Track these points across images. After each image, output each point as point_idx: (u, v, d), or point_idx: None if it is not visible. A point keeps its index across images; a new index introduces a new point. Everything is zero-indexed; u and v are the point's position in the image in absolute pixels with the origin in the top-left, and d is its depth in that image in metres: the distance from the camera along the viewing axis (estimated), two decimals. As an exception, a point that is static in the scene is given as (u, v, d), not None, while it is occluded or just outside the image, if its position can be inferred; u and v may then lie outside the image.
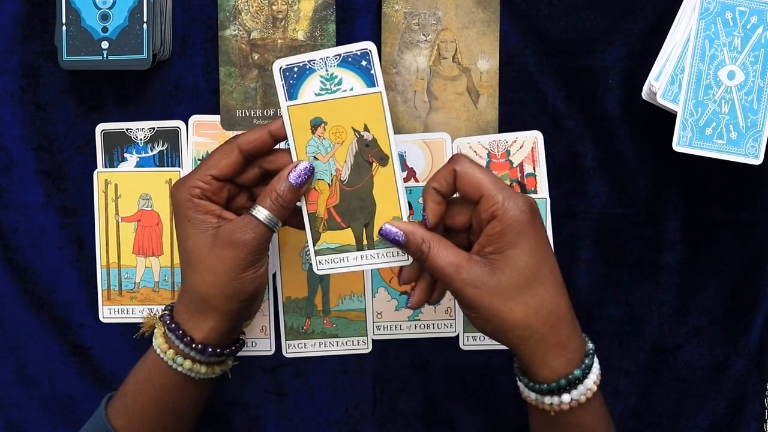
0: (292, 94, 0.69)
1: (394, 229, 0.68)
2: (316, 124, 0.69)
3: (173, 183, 0.72)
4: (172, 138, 0.80)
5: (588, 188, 0.81)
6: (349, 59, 0.68)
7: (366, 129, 0.69)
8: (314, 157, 0.69)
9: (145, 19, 0.76)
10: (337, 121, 0.69)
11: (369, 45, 0.68)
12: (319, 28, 0.79)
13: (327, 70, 0.69)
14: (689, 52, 0.74)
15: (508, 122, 0.80)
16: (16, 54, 0.80)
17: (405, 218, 0.69)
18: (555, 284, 0.66)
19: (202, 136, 0.80)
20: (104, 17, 0.76)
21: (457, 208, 0.69)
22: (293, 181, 0.68)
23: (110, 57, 0.76)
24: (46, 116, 0.80)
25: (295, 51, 0.79)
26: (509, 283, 0.65)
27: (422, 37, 0.79)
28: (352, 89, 0.69)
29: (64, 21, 0.76)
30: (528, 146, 0.80)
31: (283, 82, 0.69)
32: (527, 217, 0.65)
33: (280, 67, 0.69)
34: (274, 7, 0.79)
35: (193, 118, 0.80)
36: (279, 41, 0.79)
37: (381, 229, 0.68)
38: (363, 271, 0.80)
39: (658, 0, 0.79)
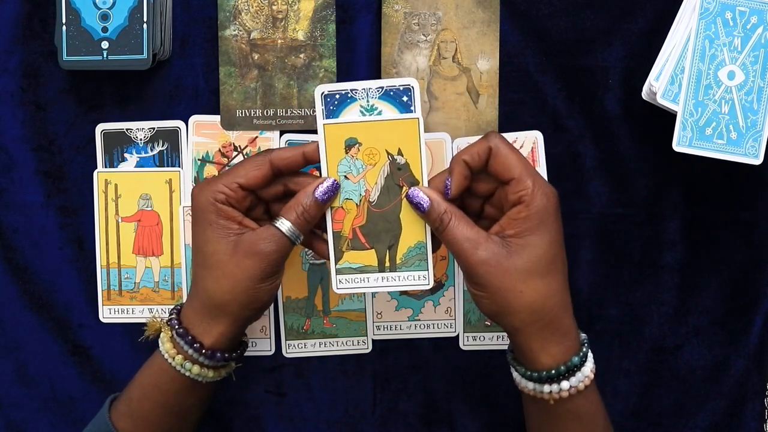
0: (330, 117, 0.70)
1: (420, 194, 0.68)
2: (350, 144, 0.69)
3: (196, 185, 0.72)
4: (172, 138, 0.80)
5: (588, 188, 0.81)
6: (391, 93, 0.70)
7: (400, 153, 0.69)
8: (345, 176, 0.70)
9: (145, 19, 0.76)
10: (371, 143, 0.69)
11: (412, 82, 0.69)
12: (319, 28, 0.79)
13: (368, 101, 0.70)
14: (689, 52, 0.74)
15: (508, 122, 0.80)
16: (16, 54, 0.80)
17: (429, 245, 0.70)
18: (564, 276, 0.68)
19: (202, 136, 0.80)
20: (104, 17, 0.76)
21: (484, 176, 0.69)
22: (319, 197, 0.69)
23: (110, 57, 0.76)
24: (46, 116, 0.80)
25: (295, 51, 0.79)
26: (524, 268, 0.66)
27: (422, 37, 0.79)
28: None
29: (64, 21, 0.76)
30: (528, 146, 0.80)
31: (323, 107, 0.69)
32: (553, 207, 0.67)
33: (322, 93, 0.70)
34: (274, 7, 0.79)
35: (193, 118, 0.80)
36: (279, 41, 0.79)
37: (408, 192, 0.69)
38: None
39: (658, 0, 0.79)
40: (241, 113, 0.80)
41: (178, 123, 0.80)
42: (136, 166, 0.80)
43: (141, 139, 0.80)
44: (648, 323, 0.82)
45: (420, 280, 0.70)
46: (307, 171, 0.74)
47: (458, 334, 0.81)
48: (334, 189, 0.69)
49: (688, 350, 0.82)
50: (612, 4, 0.80)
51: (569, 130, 0.80)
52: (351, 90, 0.70)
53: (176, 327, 0.70)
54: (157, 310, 0.81)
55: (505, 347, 0.81)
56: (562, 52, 0.80)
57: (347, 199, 0.70)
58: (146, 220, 0.80)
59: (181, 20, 0.80)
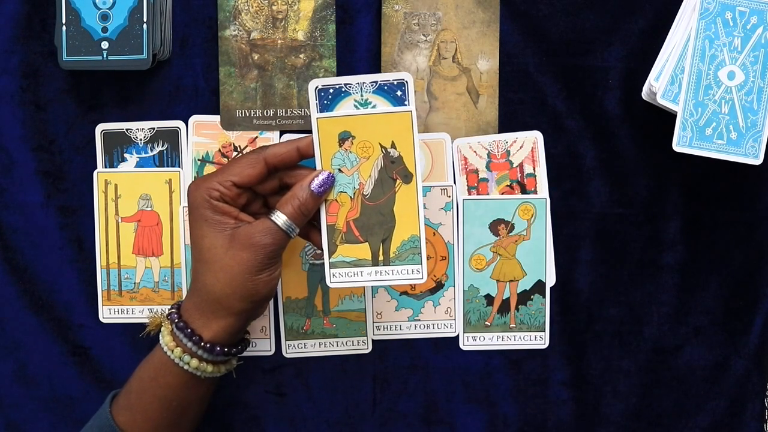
0: (324, 111, 0.70)
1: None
2: (344, 138, 0.70)
3: (192, 181, 0.72)
4: (172, 138, 0.80)
5: (588, 188, 0.81)
6: (385, 87, 0.70)
7: (393, 146, 0.69)
8: (339, 169, 0.70)
9: (145, 19, 0.76)
10: (365, 136, 0.70)
11: (406, 76, 0.70)
12: (319, 28, 0.79)
13: (362, 95, 0.70)
14: (689, 52, 0.74)
15: (508, 122, 0.80)
16: (16, 54, 0.80)
17: (423, 239, 0.70)
18: None
19: (202, 136, 0.80)
20: (104, 17, 0.76)
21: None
22: (315, 190, 0.69)
23: (110, 57, 0.76)
24: (46, 116, 0.80)
25: (295, 51, 0.79)
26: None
27: (422, 37, 0.79)
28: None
29: (64, 21, 0.76)
30: (528, 146, 0.80)
31: (317, 101, 0.70)
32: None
33: (316, 87, 0.70)
34: (274, 7, 0.79)
35: (193, 118, 0.80)
36: (279, 41, 0.79)
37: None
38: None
39: (658, 0, 0.79)
40: (241, 113, 0.80)
41: (178, 123, 0.80)
42: (136, 166, 0.80)
43: (141, 139, 0.80)
44: (648, 323, 0.82)
45: (413, 274, 0.70)
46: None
47: (458, 334, 0.81)
48: (330, 182, 0.70)
49: (688, 350, 0.82)
50: (612, 4, 0.80)
51: (569, 130, 0.80)
52: (345, 84, 0.70)
53: (176, 320, 0.71)
54: (156, 311, 0.81)
55: (505, 347, 0.81)
56: (562, 52, 0.80)
57: (341, 192, 0.70)
58: (146, 220, 0.80)
59: (181, 20, 0.80)
